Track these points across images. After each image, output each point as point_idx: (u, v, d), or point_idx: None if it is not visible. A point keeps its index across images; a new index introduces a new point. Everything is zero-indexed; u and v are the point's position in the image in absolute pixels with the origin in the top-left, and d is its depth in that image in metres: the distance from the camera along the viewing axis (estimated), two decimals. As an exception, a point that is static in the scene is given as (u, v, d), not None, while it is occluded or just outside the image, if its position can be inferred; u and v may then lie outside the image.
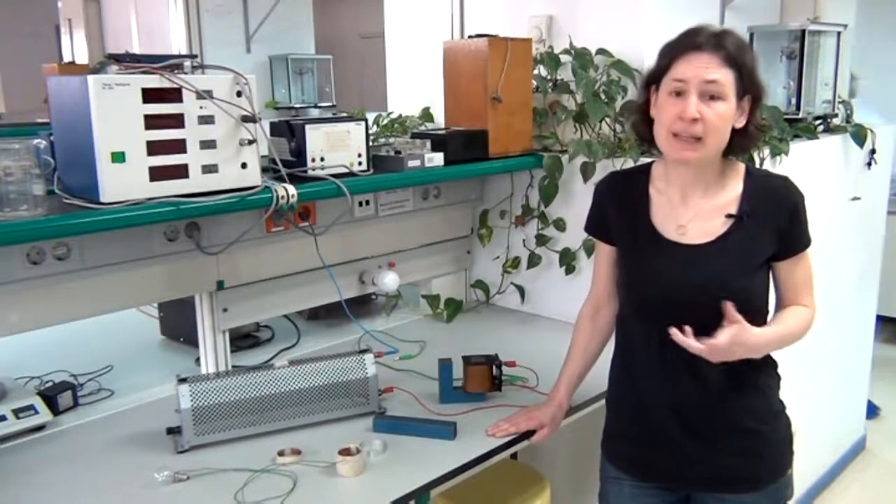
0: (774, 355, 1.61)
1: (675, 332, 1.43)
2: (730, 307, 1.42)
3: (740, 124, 1.51)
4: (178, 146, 1.63)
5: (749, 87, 1.49)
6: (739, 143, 1.54)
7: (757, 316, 1.53)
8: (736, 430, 1.57)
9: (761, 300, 1.57)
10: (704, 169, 1.54)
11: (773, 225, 1.53)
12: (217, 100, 1.66)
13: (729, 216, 1.54)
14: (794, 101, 2.77)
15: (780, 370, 1.64)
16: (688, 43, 1.47)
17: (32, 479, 1.62)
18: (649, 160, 1.69)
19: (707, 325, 1.43)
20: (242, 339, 2.40)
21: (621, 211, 1.65)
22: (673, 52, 1.49)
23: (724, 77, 1.45)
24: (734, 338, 1.40)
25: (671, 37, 1.53)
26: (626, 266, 1.66)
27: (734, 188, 1.56)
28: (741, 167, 1.59)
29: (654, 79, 1.53)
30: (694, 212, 1.56)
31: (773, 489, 1.61)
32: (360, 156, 2.02)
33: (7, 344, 1.86)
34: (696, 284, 1.52)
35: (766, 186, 1.56)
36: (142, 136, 1.57)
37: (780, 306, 1.61)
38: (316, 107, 4.16)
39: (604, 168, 2.24)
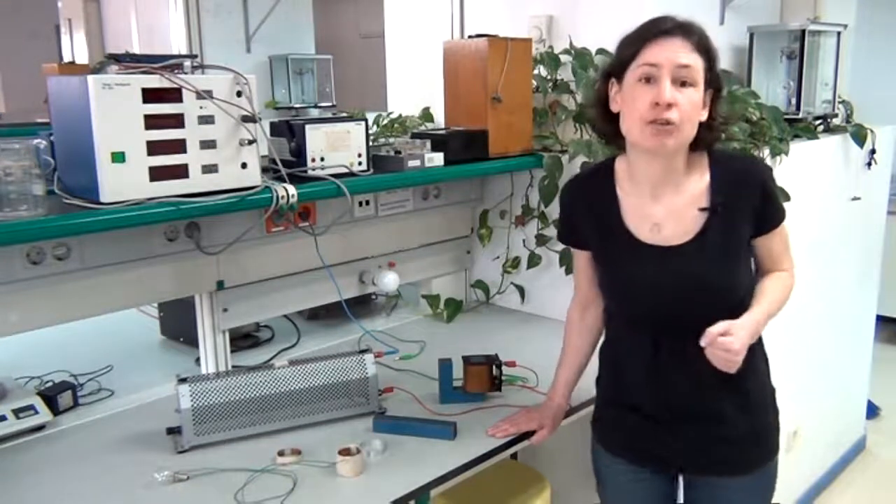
0: (762, 337, 1.58)
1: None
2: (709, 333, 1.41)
3: (703, 118, 1.48)
4: (178, 146, 1.63)
5: (713, 80, 1.47)
6: (704, 138, 1.50)
7: (743, 305, 1.50)
8: (729, 420, 1.56)
9: (746, 289, 1.54)
10: (673, 161, 1.50)
11: (748, 208, 1.51)
12: (217, 100, 1.66)
13: (703, 210, 1.50)
14: (794, 101, 2.77)
15: (777, 362, 1.63)
16: (657, 29, 1.44)
17: (32, 479, 1.62)
18: (610, 157, 1.64)
19: (695, 325, 1.42)
20: (242, 339, 2.40)
21: (591, 217, 1.61)
22: (641, 38, 1.45)
23: (696, 63, 1.42)
24: (730, 331, 1.40)
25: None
26: (605, 274, 1.63)
27: (702, 177, 1.53)
28: (704, 153, 1.55)
29: (616, 70, 1.48)
30: (666, 209, 1.53)
31: (763, 472, 1.62)
32: (360, 156, 2.02)
33: (7, 344, 1.86)
34: (679, 288, 1.50)
35: (733, 170, 1.53)
36: (142, 136, 1.57)
37: (759, 274, 1.60)
38: (316, 107, 4.16)
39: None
